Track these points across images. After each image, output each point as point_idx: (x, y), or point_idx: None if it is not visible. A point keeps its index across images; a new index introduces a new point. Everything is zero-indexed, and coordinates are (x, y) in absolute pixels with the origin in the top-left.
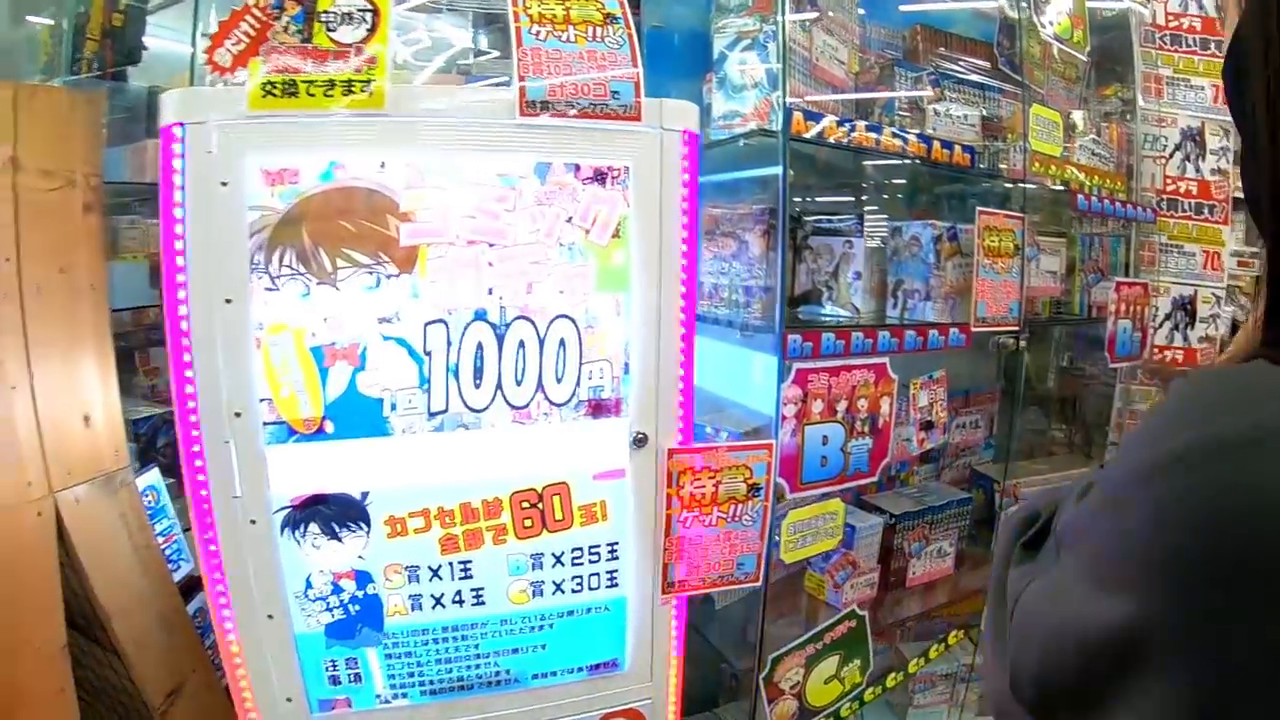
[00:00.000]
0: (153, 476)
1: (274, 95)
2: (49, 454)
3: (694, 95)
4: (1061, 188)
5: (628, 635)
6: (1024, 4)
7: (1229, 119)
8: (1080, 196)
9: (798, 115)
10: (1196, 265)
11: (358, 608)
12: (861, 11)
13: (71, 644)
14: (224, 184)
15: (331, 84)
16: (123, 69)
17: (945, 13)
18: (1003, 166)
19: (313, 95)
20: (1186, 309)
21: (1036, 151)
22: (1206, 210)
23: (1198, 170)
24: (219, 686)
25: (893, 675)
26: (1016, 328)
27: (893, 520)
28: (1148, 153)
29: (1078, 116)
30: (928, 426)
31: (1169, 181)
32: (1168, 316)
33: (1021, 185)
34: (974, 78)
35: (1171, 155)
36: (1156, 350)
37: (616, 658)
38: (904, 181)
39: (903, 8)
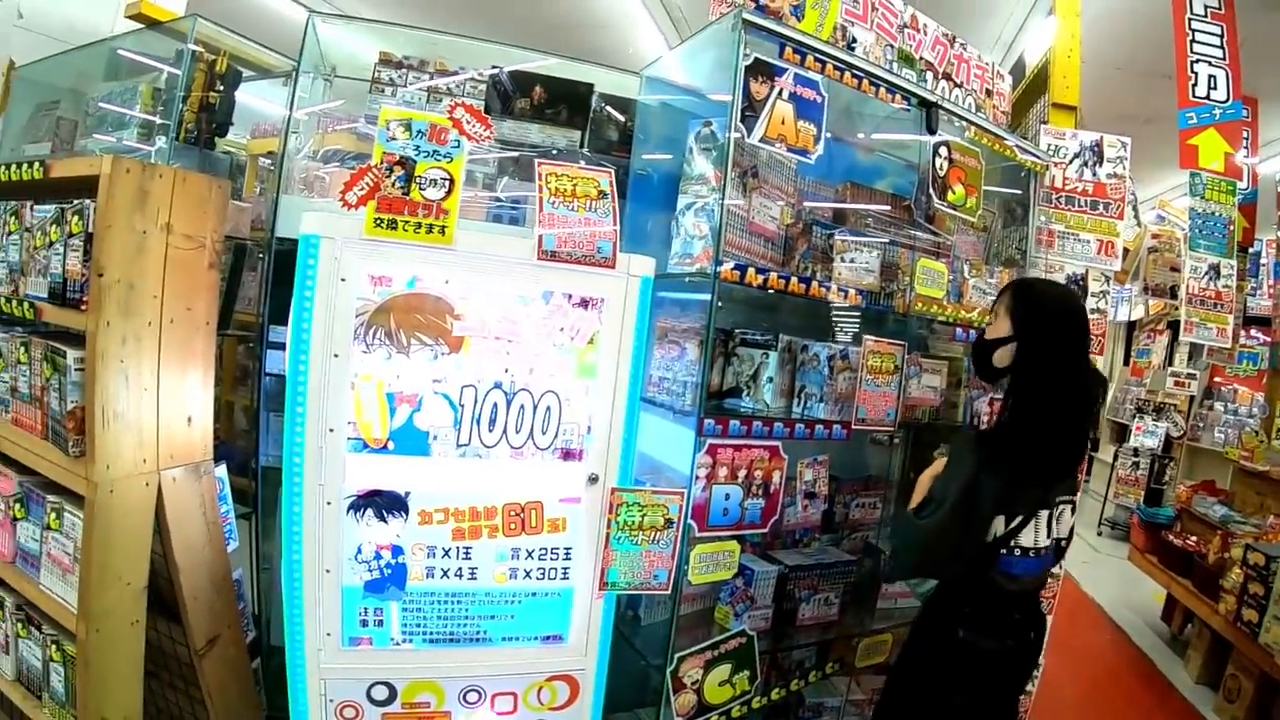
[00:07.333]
0: (221, 470)
1: (381, 227)
2: (161, 442)
3: (667, 225)
4: (945, 322)
5: (572, 617)
6: (928, 169)
7: (1110, 267)
8: (958, 329)
9: (727, 266)
10: None
11: (389, 571)
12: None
13: None
14: (343, 280)
15: (419, 225)
16: (212, 139)
17: (873, 168)
18: (896, 303)
19: (406, 231)
20: None
21: (920, 294)
22: None
23: None
24: (243, 642)
25: (776, 690)
26: (891, 429)
27: (787, 570)
28: None
29: (970, 264)
30: (811, 496)
31: None
32: None
33: (906, 318)
34: (890, 233)
35: None
36: None
37: (561, 633)
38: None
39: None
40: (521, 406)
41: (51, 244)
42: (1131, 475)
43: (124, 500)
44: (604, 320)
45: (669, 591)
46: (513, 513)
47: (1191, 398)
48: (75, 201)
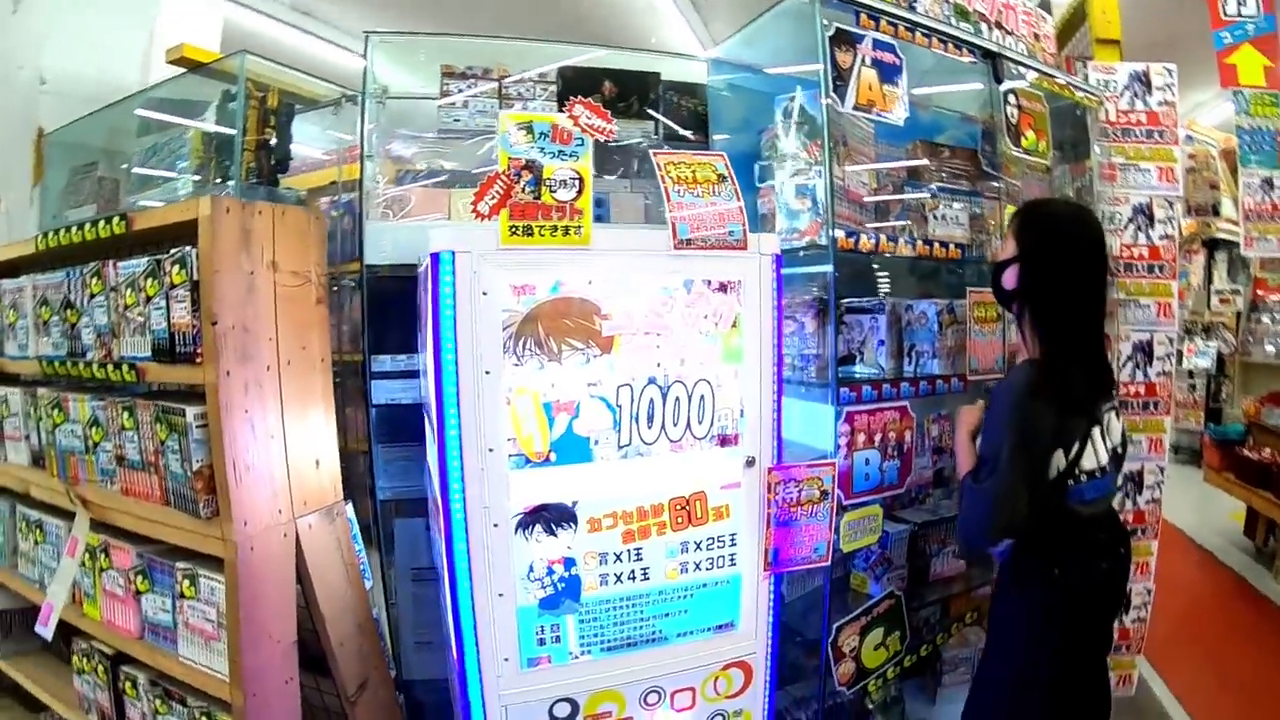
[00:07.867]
0: (348, 510)
1: (517, 235)
2: (293, 488)
3: (750, 204)
4: None
5: (741, 603)
6: (999, 117)
7: (1172, 194)
8: None
9: (840, 234)
10: (1151, 315)
11: (564, 585)
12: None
13: None
14: (484, 294)
15: (555, 228)
16: (275, 177)
17: (932, 124)
18: (987, 253)
19: (543, 235)
20: (1145, 351)
21: None
22: (1157, 270)
23: (1148, 238)
24: (391, 682)
25: (924, 646)
26: (1001, 376)
27: (917, 528)
28: (1106, 227)
29: None
30: (938, 451)
31: (1125, 249)
32: (1129, 358)
33: None
34: (964, 185)
35: (1126, 227)
36: (1121, 386)
37: (733, 620)
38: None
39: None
40: (677, 399)
41: (149, 299)
42: (1189, 398)
43: (265, 555)
44: (743, 302)
45: (828, 563)
46: (678, 506)
47: (1238, 314)
48: (173, 250)
